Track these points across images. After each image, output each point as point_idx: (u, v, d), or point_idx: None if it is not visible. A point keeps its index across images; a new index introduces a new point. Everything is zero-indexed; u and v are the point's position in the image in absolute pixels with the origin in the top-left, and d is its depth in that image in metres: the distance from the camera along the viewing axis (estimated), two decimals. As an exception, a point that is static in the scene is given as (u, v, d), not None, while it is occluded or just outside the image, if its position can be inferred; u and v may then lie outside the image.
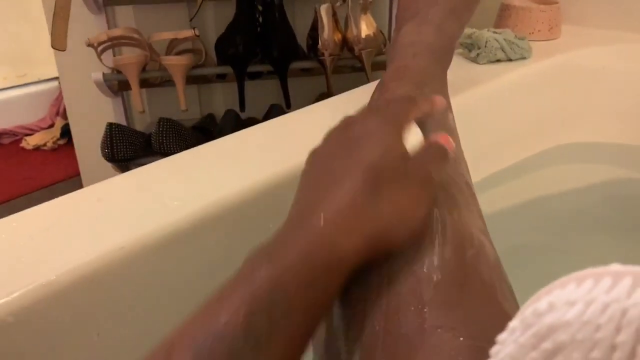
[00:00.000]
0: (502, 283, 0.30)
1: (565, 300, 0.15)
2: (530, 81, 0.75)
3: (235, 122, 1.03)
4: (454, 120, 0.45)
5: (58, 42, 0.85)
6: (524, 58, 0.77)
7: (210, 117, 1.12)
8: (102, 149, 0.93)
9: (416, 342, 0.25)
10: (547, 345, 0.15)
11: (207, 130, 1.04)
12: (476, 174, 0.68)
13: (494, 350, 0.17)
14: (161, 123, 0.92)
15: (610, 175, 0.77)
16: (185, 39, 0.94)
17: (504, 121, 0.73)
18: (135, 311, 0.39)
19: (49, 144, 1.86)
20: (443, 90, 0.49)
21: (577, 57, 0.81)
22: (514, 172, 0.72)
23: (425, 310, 0.26)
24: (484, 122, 0.70)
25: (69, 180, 1.55)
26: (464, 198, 0.35)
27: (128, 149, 0.93)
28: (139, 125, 1.14)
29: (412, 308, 0.27)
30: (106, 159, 0.93)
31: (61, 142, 1.88)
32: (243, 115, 1.04)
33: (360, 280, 0.29)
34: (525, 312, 0.16)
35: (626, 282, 0.15)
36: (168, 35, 0.90)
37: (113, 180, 0.47)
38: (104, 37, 0.90)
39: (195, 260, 0.43)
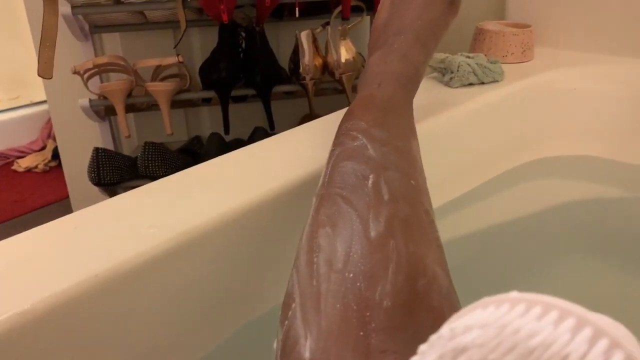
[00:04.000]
0: (452, 311, 0.31)
1: (482, 323, 0.16)
2: (502, 103, 0.78)
3: (220, 145, 1.05)
4: (418, 149, 0.47)
5: (44, 71, 0.87)
6: (496, 81, 0.79)
7: (197, 139, 1.14)
8: (89, 173, 0.95)
9: None
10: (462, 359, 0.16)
11: (193, 152, 1.06)
12: (448, 195, 0.71)
13: (423, 347, 0.17)
14: (146, 147, 0.94)
15: (584, 193, 0.79)
16: (171, 65, 0.96)
17: (476, 142, 0.75)
18: (110, 337, 0.41)
19: (40, 166, 1.87)
20: (408, 117, 0.50)
21: (548, 79, 0.83)
22: (485, 192, 0.74)
23: (372, 335, 0.28)
24: (455, 143, 0.72)
25: (60, 202, 1.56)
26: (422, 229, 0.36)
27: (114, 172, 0.95)
28: (127, 149, 1.16)
29: (361, 333, 0.28)
30: (93, 183, 0.95)
31: (52, 164, 1.89)
32: (228, 137, 1.06)
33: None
34: (443, 330, 0.17)
35: (521, 307, 0.16)
36: (153, 62, 0.93)
37: (90, 209, 0.49)
38: (89, 65, 0.93)
39: (170, 287, 0.44)
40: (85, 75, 0.96)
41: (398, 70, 0.51)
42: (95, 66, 0.93)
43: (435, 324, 0.29)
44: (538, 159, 0.81)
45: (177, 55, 0.92)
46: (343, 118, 0.48)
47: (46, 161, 1.89)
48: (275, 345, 0.33)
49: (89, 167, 0.95)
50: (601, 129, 0.82)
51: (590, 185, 0.79)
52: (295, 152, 0.59)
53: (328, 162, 0.42)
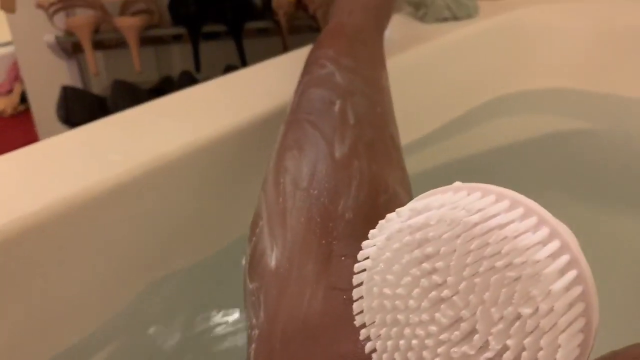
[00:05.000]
0: None
1: (440, 203, 0.17)
2: (475, 38, 0.78)
3: (191, 84, 1.03)
4: (387, 79, 0.48)
5: (7, 4, 0.84)
6: (470, 17, 0.79)
7: (168, 79, 1.12)
8: (58, 111, 0.93)
9: (322, 269, 0.28)
10: (395, 245, 0.17)
11: (164, 92, 1.04)
12: (418, 130, 0.72)
13: (374, 231, 0.19)
14: (115, 85, 0.92)
15: (556, 127, 0.80)
16: (139, 0, 0.94)
17: (449, 77, 0.75)
18: (78, 260, 0.41)
19: (9, 111, 1.83)
20: (378, 47, 0.51)
21: (522, 15, 0.83)
22: (457, 127, 0.75)
23: (334, 242, 0.29)
24: (427, 79, 0.72)
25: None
26: (386, 152, 0.38)
27: (84, 111, 0.93)
28: (96, 89, 1.14)
29: (323, 241, 0.29)
30: (62, 122, 0.93)
31: (21, 108, 1.84)
32: (200, 77, 1.04)
33: None
34: (401, 210, 0.18)
35: (462, 193, 0.17)
36: (120, -5, 0.90)
37: (58, 138, 0.49)
38: (54, -2, 0.89)
39: (136, 213, 0.44)
40: (51, 10, 0.92)
41: None
42: (59, 0, 0.90)
43: None
44: (510, 93, 0.82)
45: (145, -12, 0.89)
46: (312, 47, 0.48)
47: (14, 105, 1.84)
48: (243, 261, 0.34)
49: (57, 105, 0.93)
50: (573, 64, 0.82)
51: (561, 118, 0.81)
52: (265, 85, 0.59)
53: (296, 91, 0.43)
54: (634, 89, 0.79)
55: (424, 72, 0.72)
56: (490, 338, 0.15)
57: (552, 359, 0.15)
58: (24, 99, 1.83)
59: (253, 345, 0.27)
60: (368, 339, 0.18)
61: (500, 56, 0.81)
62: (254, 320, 0.28)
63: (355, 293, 0.19)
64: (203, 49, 1.00)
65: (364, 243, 0.19)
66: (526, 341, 0.15)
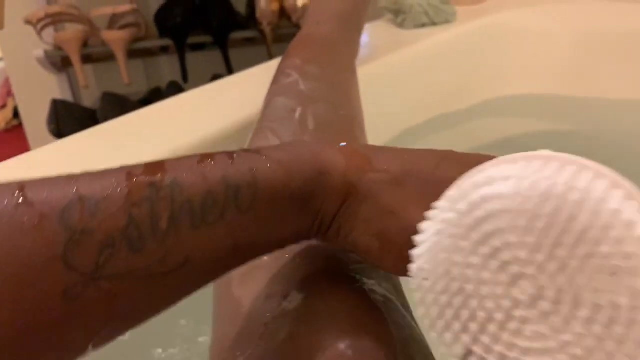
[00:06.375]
0: None
1: (501, 176, 0.16)
2: (453, 43, 0.80)
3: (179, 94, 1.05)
4: (356, 85, 0.49)
5: (-5, 20, 0.86)
6: (448, 22, 0.81)
7: (157, 90, 1.14)
8: (48, 124, 0.95)
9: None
10: (479, 213, 0.16)
11: (153, 103, 1.06)
12: (397, 132, 0.73)
13: (431, 213, 0.18)
14: (105, 98, 0.94)
15: (533, 128, 0.82)
16: (126, 13, 0.95)
17: (427, 82, 0.77)
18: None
19: (2, 125, 1.84)
20: (348, 54, 0.51)
21: (499, 20, 0.85)
22: (438, 128, 0.77)
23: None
24: (406, 83, 0.74)
25: (23, 160, 1.55)
26: None
27: (74, 124, 0.95)
28: (87, 101, 1.15)
29: None
30: (53, 135, 0.95)
31: (14, 122, 1.86)
32: (187, 87, 1.06)
33: None
34: (463, 184, 0.17)
35: (554, 164, 0.17)
36: (107, 10, 0.92)
37: (42, 150, 0.50)
38: (41, 14, 0.91)
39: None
40: (39, 26, 0.94)
41: (339, 7, 0.52)
42: (47, 16, 0.91)
43: None
44: (490, 98, 0.83)
45: (131, 2, 0.91)
46: (282, 57, 0.50)
47: (8, 119, 1.86)
48: None
49: (48, 119, 0.95)
50: (551, 68, 0.84)
51: (541, 121, 0.82)
52: (248, 93, 0.61)
53: (265, 100, 0.44)
54: (614, 91, 0.80)
55: (403, 76, 0.74)
56: (574, 322, 0.15)
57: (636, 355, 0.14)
58: (17, 113, 1.85)
59: None
60: (422, 303, 0.18)
61: (479, 60, 0.83)
62: None
63: (416, 254, 0.18)
64: (190, 59, 1.02)
65: (435, 204, 0.18)
66: (616, 331, 0.14)
